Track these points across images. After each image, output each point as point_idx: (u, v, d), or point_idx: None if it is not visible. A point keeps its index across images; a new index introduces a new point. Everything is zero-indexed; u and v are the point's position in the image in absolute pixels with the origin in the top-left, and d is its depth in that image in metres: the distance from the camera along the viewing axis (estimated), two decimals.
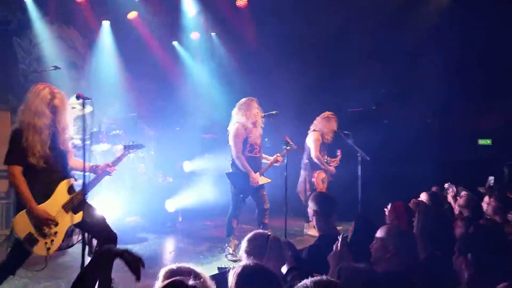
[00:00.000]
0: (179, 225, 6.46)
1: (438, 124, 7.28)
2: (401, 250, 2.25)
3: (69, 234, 3.23)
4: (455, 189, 5.02)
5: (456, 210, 4.54)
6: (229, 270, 2.05)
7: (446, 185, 4.97)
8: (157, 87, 8.92)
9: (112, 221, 5.42)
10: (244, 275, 1.81)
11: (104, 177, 3.43)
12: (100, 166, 3.43)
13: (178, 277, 1.54)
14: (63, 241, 3.18)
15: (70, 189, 3.25)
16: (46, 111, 3.13)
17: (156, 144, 7.36)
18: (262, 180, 4.89)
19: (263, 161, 5.14)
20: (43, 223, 3.05)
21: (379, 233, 2.36)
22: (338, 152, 6.10)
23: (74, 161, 3.47)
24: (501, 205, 3.76)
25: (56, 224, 3.12)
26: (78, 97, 3.22)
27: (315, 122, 5.98)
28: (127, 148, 3.62)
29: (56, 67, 6.61)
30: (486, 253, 2.03)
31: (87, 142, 3.17)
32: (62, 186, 3.21)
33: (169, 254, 5.15)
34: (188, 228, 6.36)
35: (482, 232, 2.24)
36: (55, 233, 3.11)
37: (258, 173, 4.88)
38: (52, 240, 3.10)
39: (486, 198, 4.31)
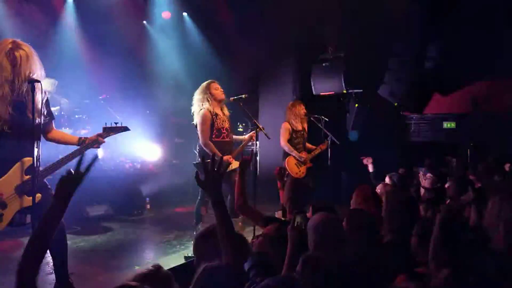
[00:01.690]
0: (147, 213, 6.30)
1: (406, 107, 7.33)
2: (327, 239, 2.17)
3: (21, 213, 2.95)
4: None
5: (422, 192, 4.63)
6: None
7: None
8: (125, 69, 8.58)
9: (74, 210, 5.29)
10: (205, 279, 1.71)
11: (87, 150, 3.12)
12: (88, 138, 3.15)
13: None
14: (13, 219, 2.90)
15: (29, 169, 2.91)
16: (4, 62, 2.84)
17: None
18: (234, 164, 4.72)
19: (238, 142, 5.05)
20: None
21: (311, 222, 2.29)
22: (325, 143, 6.09)
23: (56, 132, 3.19)
24: (458, 187, 3.81)
25: (5, 207, 2.85)
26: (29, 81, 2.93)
27: (286, 112, 5.96)
28: (107, 130, 3.24)
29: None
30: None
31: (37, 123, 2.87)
32: (19, 165, 2.90)
33: (135, 245, 4.98)
34: (156, 216, 6.21)
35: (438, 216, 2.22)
36: (1, 215, 2.85)
37: (229, 156, 4.72)
38: None
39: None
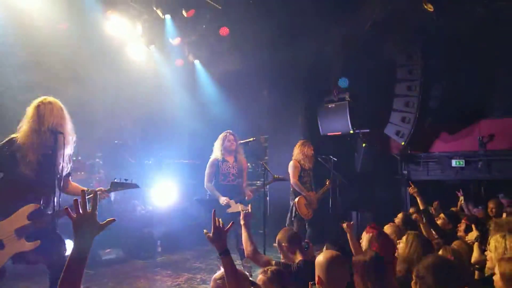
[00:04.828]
0: (158, 256, 6.35)
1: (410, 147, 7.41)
2: (327, 277, 2.27)
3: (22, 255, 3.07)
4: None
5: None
6: None
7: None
8: (140, 115, 8.94)
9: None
10: None
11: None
12: (94, 190, 3.31)
13: None
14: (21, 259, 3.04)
15: (32, 215, 3.07)
16: (33, 114, 3.20)
17: (135, 172, 7.28)
18: (236, 207, 4.88)
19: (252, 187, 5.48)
20: None
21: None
22: (327, 181, 6.23)
23: (72, 185, 3.41)
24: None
25: (2, 247, 2.98)
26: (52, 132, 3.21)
27: (293, 151, 6.13)
28: (114, 185, 3.37)
29: None
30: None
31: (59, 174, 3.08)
32: (24, 210, 3.07)
33: (146, 286, 5.01)
34: (167, 259, 6.25)
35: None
36: None
37: (232, 200, 4.95)
38: None
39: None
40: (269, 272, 2.46)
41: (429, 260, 2.19)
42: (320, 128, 7.81)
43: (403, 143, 7.08)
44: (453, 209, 5.47)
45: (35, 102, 3.25)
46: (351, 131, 7.43)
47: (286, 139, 7.58)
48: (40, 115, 3.19)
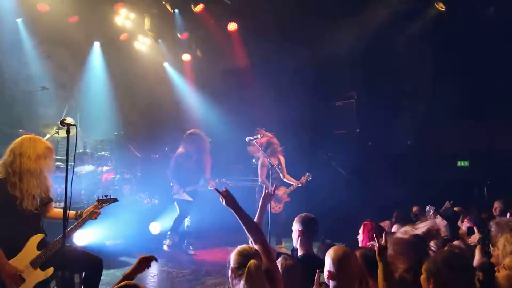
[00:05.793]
0: (165, 248, 6.41)
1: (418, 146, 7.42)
2: (339, 270, 2.34)
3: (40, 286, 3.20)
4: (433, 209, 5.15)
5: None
6: None
7: (427, 207, 5.10)
8: (145, 108, 9.00)
9: (93, 246, 5.47)
10: None
11: (86, 222, 3.41)
12: (85, 211, 3.44)
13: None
14: None
15: (41, 244, 3.22)
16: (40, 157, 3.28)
17: (142, 165, 7.35)
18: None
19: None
20: (10, 281, 3.01)
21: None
22: (303, 178, 6.17)
23: (54, 211, 3.48)
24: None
25: (23, 281, 3.08)
26: (62, 123, 3.22)
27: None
28: (100, 202, 3.53)
29: (44, 88, 6.69)
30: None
31: (71, 163, 3.13)
32: (33, 241, 3.20)
33: (152, 278, 5.09)
34: (173, 251, 6.32)
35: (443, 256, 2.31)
36: None
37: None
38: None
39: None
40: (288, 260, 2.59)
41: (441, 256, 2.24)
42: (326, 127, 7.84)
43: (408, 142, 7.11)
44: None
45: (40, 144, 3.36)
46: (357, 130, 7.48)
47: (291, 135, 7.60)
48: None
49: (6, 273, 2.99)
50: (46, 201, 3.40)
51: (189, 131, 6.25)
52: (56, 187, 4.76)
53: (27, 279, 3.10)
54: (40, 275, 3.16)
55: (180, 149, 6.21)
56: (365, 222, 3.51)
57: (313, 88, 8.18)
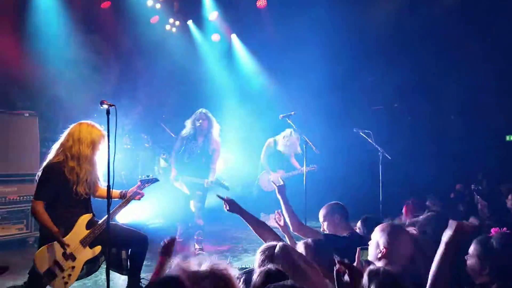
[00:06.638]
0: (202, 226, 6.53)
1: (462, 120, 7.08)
2: (393, 248, 2.20)
3: (87, 265, 3.36)
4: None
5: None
6: (250, 270, 2.05)
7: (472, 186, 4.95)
8: (179, 90, 9.07)
9: (135, 225, 5.65)
10: None
11: (129, 203, 3.56)
12: (129, 191, 3.57)
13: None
14: (81, 272, 3.31)
15: (89, 224, 3.36)
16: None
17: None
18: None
19: None
20: (63, 258, 3.18)
21: (374, 233, 2.33)
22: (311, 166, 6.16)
23: (102, 190, 3.60)
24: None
25: (74, 259, 3.24)
26: (101, 103, 3.29)
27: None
28: (143, 182, 3.67)
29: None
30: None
31: (113, 151, 3.21)
32: (82, 221, 3.33)
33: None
34: (210, 229, 6.44)
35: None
36: (73, 267, 3.23)
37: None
38: (70, 275, 3.21)
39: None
40: (310, 241, 2.45)
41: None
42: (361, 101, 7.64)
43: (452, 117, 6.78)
44: None
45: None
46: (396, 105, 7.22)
47: (325, 112, 7.48)
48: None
49: (61, 250, 3.16)
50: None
51: None
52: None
53: (77, 257, 3.25)
54: (89, 253, 3.31)
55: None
56: (407, 202, 3.42)
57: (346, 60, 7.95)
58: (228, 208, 2.74)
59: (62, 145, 3.36)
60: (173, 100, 8.65)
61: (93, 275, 3.89)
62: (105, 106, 3.13)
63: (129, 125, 6.96)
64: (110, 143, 3.06)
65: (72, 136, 3.34)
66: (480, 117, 7.14)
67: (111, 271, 3.22)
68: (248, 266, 3.97)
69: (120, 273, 3.56)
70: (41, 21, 6.88)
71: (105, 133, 3.43)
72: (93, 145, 3.35)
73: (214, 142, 5.21)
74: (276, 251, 2.03)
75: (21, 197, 5.27)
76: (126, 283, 3.55)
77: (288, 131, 6.58)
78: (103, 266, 3.39)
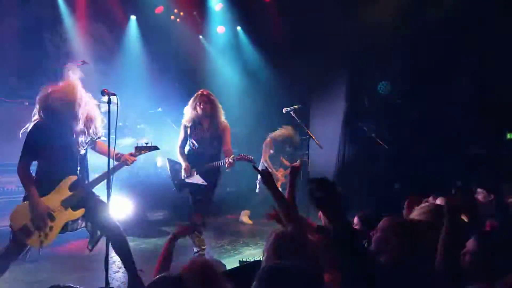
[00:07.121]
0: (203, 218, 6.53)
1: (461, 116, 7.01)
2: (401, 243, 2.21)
3: (70, 223, 3.33)
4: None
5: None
6: (250, 263, 2.03)
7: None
8: (183, 82, 9.02)
9: (135, 216, 5.65)
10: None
11: (122, 167, 3.50)
12: (124, 155, 3.50)
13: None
14: (61, 230, 3.29)
15: (72, 186, 3.31)
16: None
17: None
18: (195, 178, 4.65)
19: None
20: (40, 217, 3.15)
21: (381, 224, 2.32)
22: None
23: (101, 145, 3.57)
24: None
25: (53, 219, 3.22)
26: (103, 92, 3.25)
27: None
28: (138, 149, 3.58)
29: (84, 62, 6.83)
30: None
31: (112, 136, 3.18)
32: (65, 182, 3.29)
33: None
34: (210, 221, 6.42)
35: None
36: (51, 227, 3.20)
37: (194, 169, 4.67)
38: (47, 234, 3.18)
39: None
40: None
41: None
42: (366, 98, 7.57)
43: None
44: None
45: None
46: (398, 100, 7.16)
47: (329, 110, 7.44)
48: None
49: (38, 209, 3.14)
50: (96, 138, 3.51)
51: None
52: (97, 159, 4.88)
53: (57, 218, 3.23)
54: (72, 214, 3.28)
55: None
56: (408, 197, 3.39)
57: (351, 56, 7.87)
58: (264, 180, 2.69)
59: None
60: (176, 93, 8.62)
61: (91, 267, 3.92)
62: (105, 98, 3.17)
63: (132, 117, 6.93)
64: (110, 133, 3.07)
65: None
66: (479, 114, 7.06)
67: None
68: (248, 259, 3.98)
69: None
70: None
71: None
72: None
73: (221, 123, 4.67)
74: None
75: (19, 187, 5.22)
76: (125, 275, 3.55)
77: (282, 129, 6.54)
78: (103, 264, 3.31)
